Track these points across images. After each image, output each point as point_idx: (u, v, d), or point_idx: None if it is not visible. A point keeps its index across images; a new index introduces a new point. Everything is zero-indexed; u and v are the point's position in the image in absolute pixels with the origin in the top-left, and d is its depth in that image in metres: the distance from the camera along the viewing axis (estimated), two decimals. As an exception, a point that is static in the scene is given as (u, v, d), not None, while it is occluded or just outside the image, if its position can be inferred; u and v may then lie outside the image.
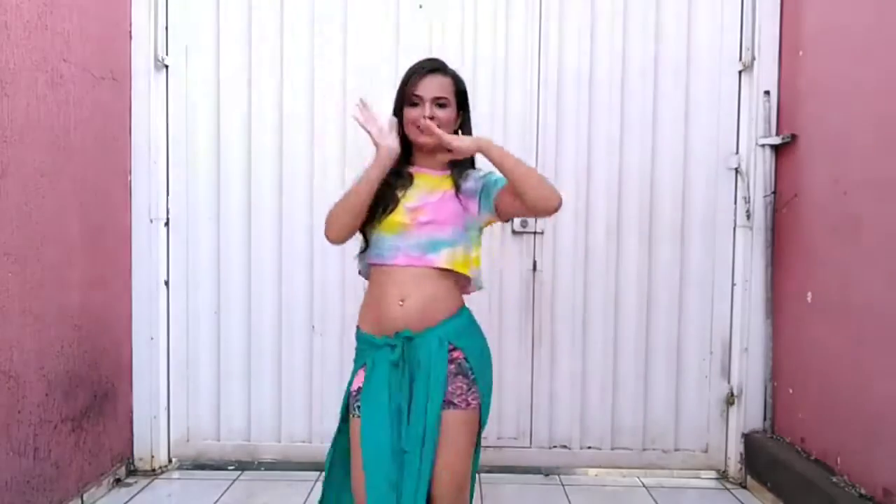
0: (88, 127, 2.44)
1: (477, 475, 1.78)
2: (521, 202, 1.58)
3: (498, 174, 1.62)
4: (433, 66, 1.66)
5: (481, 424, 1.66)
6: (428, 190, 1.65)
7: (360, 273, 1.76)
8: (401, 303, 1.60)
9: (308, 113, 2.82)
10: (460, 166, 1.67)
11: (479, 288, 1.74)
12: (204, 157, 2.84)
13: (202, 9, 2.81)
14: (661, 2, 2.79)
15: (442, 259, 1.61)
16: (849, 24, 2.28)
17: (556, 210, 1.61)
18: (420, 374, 1.59)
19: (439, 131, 1.57)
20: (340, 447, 1.68)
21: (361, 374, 1.64)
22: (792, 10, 2.63)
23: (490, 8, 2.80)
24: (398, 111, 1.67)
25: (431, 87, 1.63)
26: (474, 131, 1.75)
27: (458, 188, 1.65)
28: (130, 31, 2.71)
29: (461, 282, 1.69)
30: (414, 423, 1.56)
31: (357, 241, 1.72)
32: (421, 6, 2.80)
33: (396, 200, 1.62)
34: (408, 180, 1.66)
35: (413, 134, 1.65)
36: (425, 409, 1.56)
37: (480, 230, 1.72)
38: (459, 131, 1.70)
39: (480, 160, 1.65)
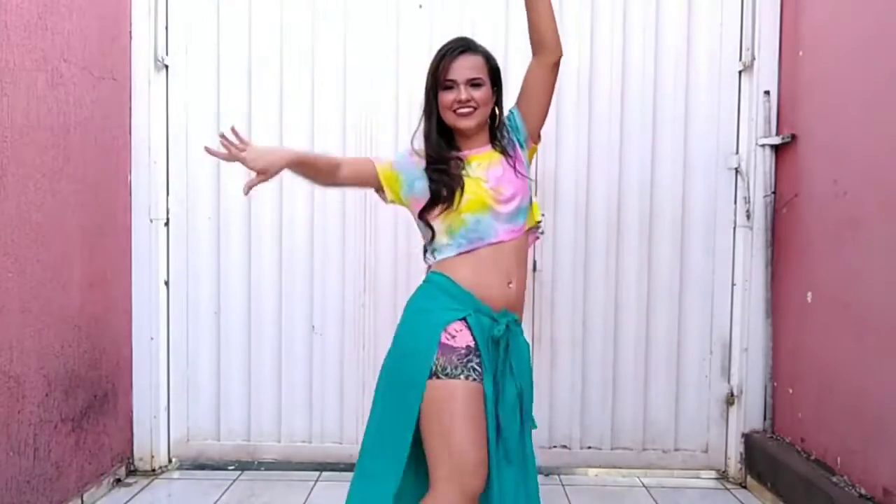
0: (88, 127, 2.44)
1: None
2: (533, 23, 1.63)
3: (508, 117, 1.70)
4: (464, 46, 1.62)
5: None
6: (490, 167, 1.62)
7: (434, 262, 1.65)
8: (510, 285, 1.59)
9: (308, 113, 2.82)
10: (497, 134, 1.68)
11: (542, 232, 1.78)
12: (204, 158, 2.83)
13: (202, 9, 2.81)
14: (661, 2, 2.79)
15: (526, 222, 1.63)
16: (849, 24, 2.28)
17: (559, 45, 1.66)
18: (521, 364, 1.58)
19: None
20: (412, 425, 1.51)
21: (465, 332, 1.52)
22: (792, 10, 2.63)
23: (490, 8, 2.80)
24: (431, 95, 1.63)
25: (464, 68, 1.59)
26: None
27: (506, 152, 1.65)
28: (130, 31, 2.71)
29: (530, 237, 1.71)
30: (511, 412, 1.54)
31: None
32: (421, 6, 2.80)
33: (463, 183, 1.58)
34: (461, 164, 1.62)
35: (451, 119, 1.61)
36: (528, 400, 1.59)
37: (529, 167, 1.71)
38: (496, 109, 1.68)
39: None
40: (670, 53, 2.79)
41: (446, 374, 1.48)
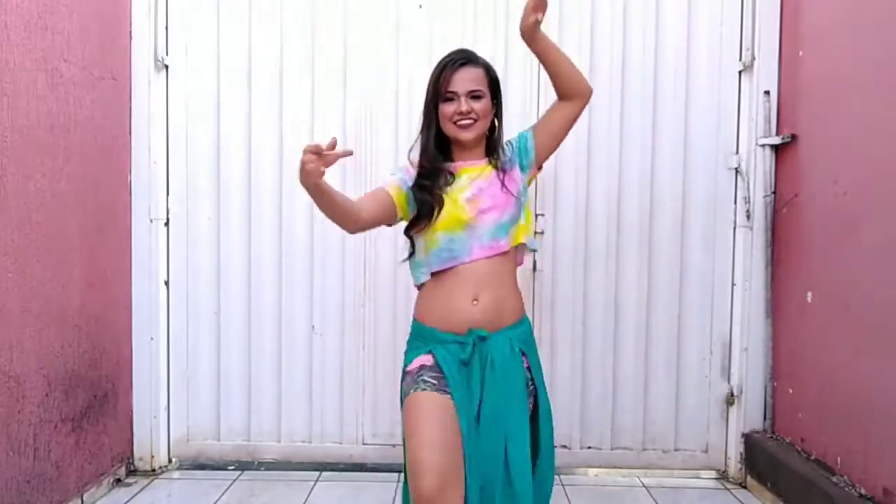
0: (88, 127, 2.44)
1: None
2: (557, 83, 1.64)
3: (517, 137, 1.72)
4: (464, 59, 1.63)
5: (551, 433, 1.69)
6: (477, 177, 1.64)
7: (416, 283, 1.71)
8: (475, 302, 1.60)
9: (308, 112, 2.82)
10: (495, 148, 1.70)
11: (533, 250, 1.79)
12: (204, 157, 2.84)
13: (202, 9, 2.81)
14: (661, 2, 2.79)
15: (509, 240, 1.63)
16: (848, 24, 2.28)
17: (590, 92, 1.67)
18: (496, 376, 1.56)
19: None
20: None
21: (424, 357, 1.60)
22: (792, 10, 2.63)
23: (490, 8, 2.80)
24: (431, 107, 1.65)
25: (465, 80, 1.60)
26: None
27: (500, 167, 1.66)
28: (130, 31, 2.71)
29: (518, 256, 1.72)
30: (492, 425, 1.54)
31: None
32: (421, 6, 2.80)
33: (441, 200, 1.60)
34: (449, 178, 1.64)
35: (451, 131, 1.63)
36: (506, 412, 1.55)
37: (526, 191, 1.72)
38: (496, 121, 1.70)
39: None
40: (670, 53, 2.79)
41: (405, 395, 1.58)
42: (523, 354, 1.64)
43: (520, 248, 1.70)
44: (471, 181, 1.64)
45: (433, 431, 1.47)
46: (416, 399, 1.53)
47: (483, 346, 1.57)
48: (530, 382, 1.64)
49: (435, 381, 1.54)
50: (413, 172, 1.67)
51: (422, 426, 1.49)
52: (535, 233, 2.79)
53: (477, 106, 1.61)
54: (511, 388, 1.58)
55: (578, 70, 1.65)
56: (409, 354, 1.67)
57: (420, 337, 1.66)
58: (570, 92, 1.65)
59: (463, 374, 1.56)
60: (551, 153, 1.76)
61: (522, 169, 1.70)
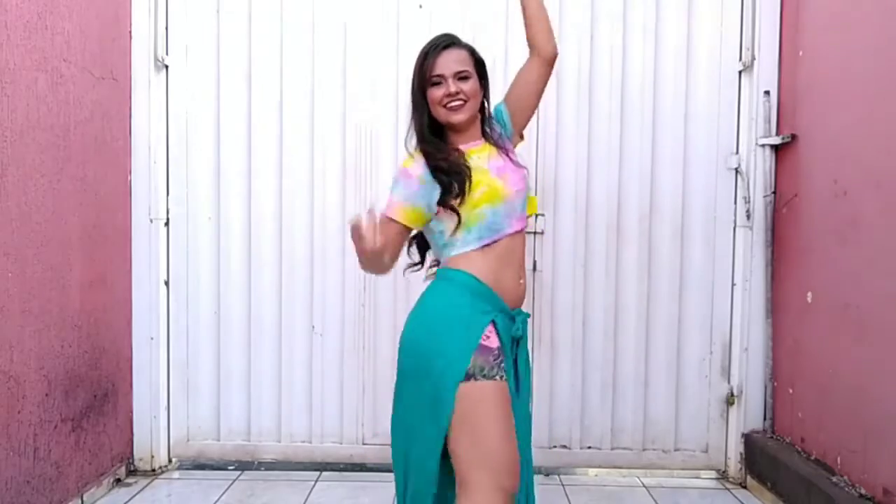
0: (88, 127, 2.44)
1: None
2: (527, 24, 1.66)
3: (494, 112, 1.73)
4: (447, 41, 1.62)
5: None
6: (490, 158, 1.62)
7: (450, 255, 1.59)
8: (521, 281, 1.62)
9: (308, 112, 2.82)
10: (487, 128, 1.69)
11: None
12: (204, 157, 2.84)
13: (202, 9, 2.81)
14: (660, 2, 2.79)
15: (526, 212, 1.67)
16: (849, 24, 2.28)
17: (554, 51, 1.68)
18: (521, 354, 1.61)
19: None
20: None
21: (493, 334, 1.51)
22: (792, 10, 2.63)
23: (490, 8, 2.80)
24: (419, 95, 1.61)
25: (450, 62, 1.58)
26: None
27: (499, 144, 1.67)
28: (130, 31, 2.71)
29: None
30: (520, 404, 1.57)
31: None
32: (421, 6, 2.80)
33: (469, 170, 1.55)
34: (462, 156, 1.60)
35: (442, 115, 1.60)
36: (527, 389, 1.63)
37: None
38: (485, 102, 1.68)
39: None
40: (670, 53, 2.79)
41: (483, 376, 1.46)
42: None
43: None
44: (486, 162, 1.61)
45: (513, 431, 1.47)
46: (503, 391, 1.49)
47: (524, 328, 1.62)
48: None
49: (506, 373, 1.51)
50: (415, 173, 1.56)
51: (509, 423, 1.47)
52: (536, 233, 2.79)
53: (465, 87, 1.58)
54: (529, 366, 1.65)
55: (551, 26, 1.67)
56: (473, 315, 1.50)
57: (477, 293, 1.53)
58: (536, 39, 1.66)
59: (512, 354, 1.56)
60: (528, 120, 1.76)
61: (509, 138, 1.72)
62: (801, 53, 2.57)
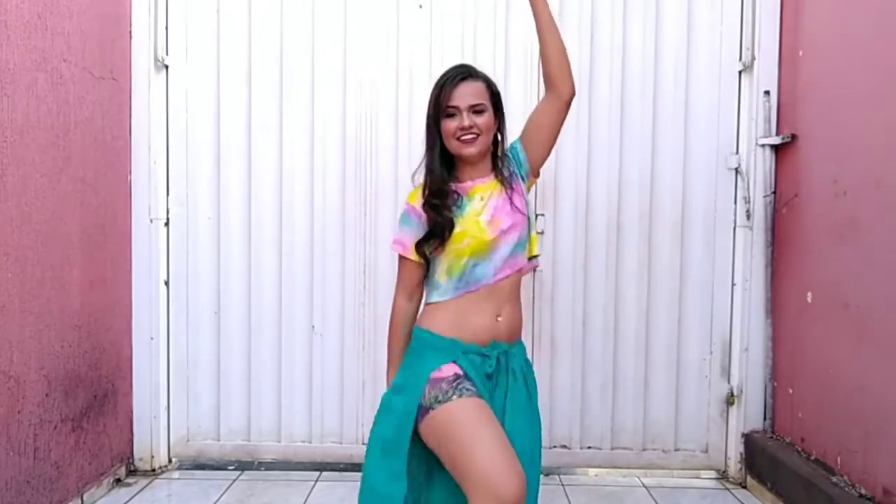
0: (88, 127, 2.44)
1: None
2: (544, 56, 1.61)
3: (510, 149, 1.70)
4: (464, 73, 1.62)
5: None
6: (489, 197, 1.62)
7: (429, 301, 1.66)
8: (498, 318, 1.60)
9: (308, 112, 2.82)
10: (499, 162, 1.67)
11: (533, 257, 1.70)
12: (204, 157, 2.84)
13: (202, 9, 2.81)
14: (660, 2, 2.79)
15: (525, 256, 1.64)
16: (849, 24, 2.28)
17: (572, 87, 1.61)
18: (518, 385, 1.59)
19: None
20: (417, 445, 1.53)
21: (451, 366, 1.53)
22: (792, 10, 2.63)
23: (490, 8, 2.80)
24: (434, 124, 1.62)
25: (465, 94, 1.58)
26: None
27: (507, 183, 1.64)
28: (130, 31, 2.71)
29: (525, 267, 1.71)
30: (518, 435, 1.52)
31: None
32: (421, 6, 2.80)
33: (452, 224, 1.57)
34: (458, 199, 1.61)
35: (454, 147, 1.60)
36: (529, 421, 1.59)
37: (527, 201, 1.70)
38: (499, 136, 1.68)
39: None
40: (670, 54, 2.79)
41: (439, 402, 1.47)
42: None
43: (527, 262, 1.69)
44: (484, 202, 1.61)
45: (499, 435, 1.43)
46: (468, 404, 1.46)
47: (505, 359, 1.60)
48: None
49: (474, 389, 1.50)
50: (420, 211, 1.62)
51: (487, 430, 1.43)
52: (536, 232, 2.78)
53: (479, 120, 1.58)
54: (532, 397, 1.63)
55: (569, 65, 1.63)
56: (425, 363, 1.56)
57: (434, 348, 1.58)
58: (555, 78, 1.61)
59: (487, 388, 1.55)
60: (544, 159, 1.72)
61: (522, 179, 1.68)
62: (801, 53, 2.57)
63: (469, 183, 1.64)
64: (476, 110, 1.59)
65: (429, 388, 1.50)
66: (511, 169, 1.68)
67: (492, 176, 1.66)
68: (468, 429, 1.42)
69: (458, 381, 1.50)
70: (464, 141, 1.59)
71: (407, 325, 1.68)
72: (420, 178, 1.66)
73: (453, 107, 1.58)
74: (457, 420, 1.44)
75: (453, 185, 1.64)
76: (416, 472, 1.55)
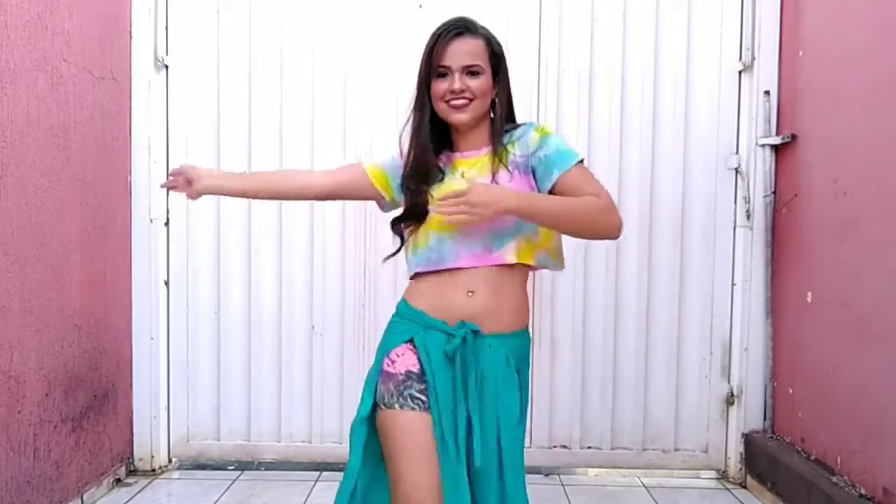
0: (88, 127, 2.44)
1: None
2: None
3: (549, 145, 1.43)
4: (461, 28, 1.40)
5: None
6: (477, 177, 1.41)
7: (409, 276, 1.53)
8: (470, 293, 1.40)
9: (308, 112, 2.82)
10: (500, 135, 1.46)
11: (559, 269, 1.55)
12: (204, 158, 2.84)
13: (202, 9, 2.80)
14: (660, 2, 2.79)
15: (509, 253, 1.40)
16: (849, 24, 2.28)
17: (619, 233, 1.40)
18: (487, 387, 1.40)
19: (455, 217, 1.30)
20: (372, 436, 1.45)
21: (409, 355, 1.39)
22: (792, 10, 2.63)
23: (490, 8, 2.79)
24: (424, 83, 1.43)
25: (460, 53, 1.38)
26: None
27: (502, 162, 1.43)
28: (130, 31, 2.71)
29: (528, 271, 1.51)
30: (486, 438, 1.38)
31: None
32: (421, 6, 2.80)
33: (426, 213, 1.41)
34: (438, 174, 1.44)
35: (443, 111, 1.41)
36: (497, 426, 1.40)
37: None
38: (496, 101, 1.47)
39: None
40: (670, 53, 2.79)
41: (385, 404, 1.39)
42: (517, 372, 1.45)
43: (524, 266, 1.47)
44: (466, 180, 1.42)
45: (421, 458, 1.34)
46: (404, 419, 1.36)
47: (475, 347, 1.38)
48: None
49: (422, 398, 1.36)
50: (401, 162, 1.49)
51: (408, 453, 1.35)
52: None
53: (473, 84, 1.38)
54: (508, 409, 1.42)
55: (597, 209, 1.35)
56: (391, 337, 1.45)
57: (404, 316, 1.46)
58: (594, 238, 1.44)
59: (448, 372, 1.36)
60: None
61: (538, 184, 1.44)
62: (801, 53, 2.57)
63: (457, 154, 1.47)
64: (471, 71, 1.39)
65: (381, 381, 1.41)
66: (528, 160, 1.43)
67: (485, 150, 1.46)
68: (399, 444, 1.36)
69: (405, 383, 1.37)
70: (453, 106, 1.39)
71: (287, 176, 1.61)
72: (405, 141, 1.50)
73: (445, 66, 1.38)
74: (390, 434, 1.38)
75: (443, 157, 1.47)
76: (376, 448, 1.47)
